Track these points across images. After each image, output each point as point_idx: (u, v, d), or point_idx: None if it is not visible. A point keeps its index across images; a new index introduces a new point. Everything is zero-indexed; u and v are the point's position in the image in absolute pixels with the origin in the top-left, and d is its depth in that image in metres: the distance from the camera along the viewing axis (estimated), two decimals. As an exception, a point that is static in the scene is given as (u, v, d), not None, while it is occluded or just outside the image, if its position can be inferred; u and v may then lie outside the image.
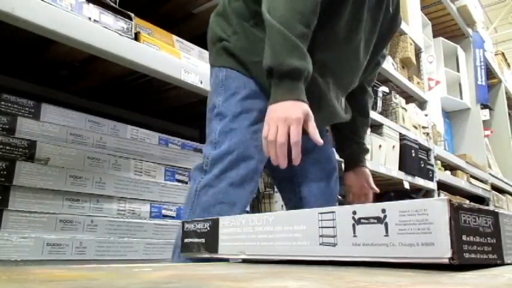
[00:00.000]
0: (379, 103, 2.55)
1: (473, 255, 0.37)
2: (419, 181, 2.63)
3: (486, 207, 0.41)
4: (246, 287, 0.32)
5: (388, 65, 2.57)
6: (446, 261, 0.36)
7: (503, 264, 0.41)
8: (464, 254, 0.36)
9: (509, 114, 4.69)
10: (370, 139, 2.29)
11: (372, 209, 0.42)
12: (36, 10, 0.96)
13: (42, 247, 1.08)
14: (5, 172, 1.05)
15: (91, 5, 1.12)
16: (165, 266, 0.60)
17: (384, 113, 2.59)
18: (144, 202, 1.34)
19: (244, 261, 0.92)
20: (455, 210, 0.36)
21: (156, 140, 1.46)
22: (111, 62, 1.15)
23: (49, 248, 1.09)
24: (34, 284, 0.33)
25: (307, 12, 0.83)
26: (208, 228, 0.62)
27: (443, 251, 0.36)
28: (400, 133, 2.54)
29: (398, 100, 2.73)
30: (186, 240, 0.66)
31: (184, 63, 1.31)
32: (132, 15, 1.21)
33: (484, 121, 4.11)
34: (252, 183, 0.93)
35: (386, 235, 0.40)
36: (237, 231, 0.57)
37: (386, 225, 0.40)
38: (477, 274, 0.41)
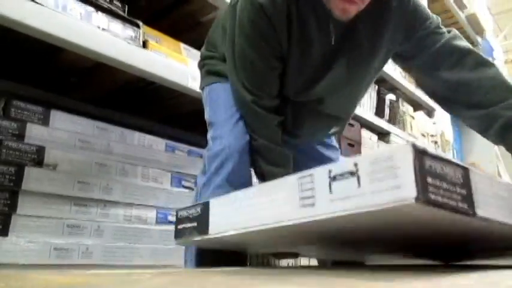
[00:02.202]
0: (387, 111, 2.55)
1: (439, 198, 0.37)
2: (427, 189, 2.61)
3: (455, 160, 0.41)
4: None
5: (396, 73, 2.57)
6: (412, 201, 0.36)
7: (475, 215, 0.41)
8: (430, 194, 0.36)
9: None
10: (378, 147, 2.29)
11: (345, 164, 0.42)
12: (47, 19, 0.98)
13: (49, 251, 1.09)
14: (14, 177, 1.07)
15: (100, 13, 1.14)
16: (164, 272, 0.59)
17: (392, 121, 2.59)
18: (150, 208, 1.35)
19: (243, 265, 0.92)
20: (419, 154, 0.37)
21: (162, 146, 1.47)
22: (119, 69, 1.17)
23: (56, 252, 1.10)
24: (31, 290, 0.33)
25: (269, 127, 0.97)
26: (199, 211, 0.63)
27: (408, 192, 0.36)
28: (407, 141, 2.54)
29: (406, 108, 2.72)
30: (179, 226, 0.66)
31: (192, 70, 1.33)
32: (140, 23, 1.23)
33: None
34: (246, 176, 0.97)
35: (359, 186, 0.40)
36: (226, 209, 0.58)
37: (358, 177, 0.40)
38: (476, 281, 0.41)
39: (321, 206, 0.44)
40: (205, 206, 0.61)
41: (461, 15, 3.57)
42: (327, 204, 0.43)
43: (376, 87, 2.50)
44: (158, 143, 1.45)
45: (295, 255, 0.82)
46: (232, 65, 0.96)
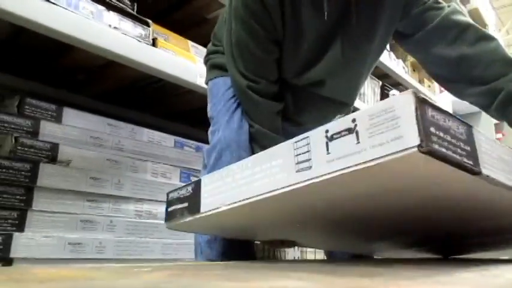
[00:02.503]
0: (390, 106, 2.56)
1: (443, 150, 0.35)
2: (431, 184, 2.62)
3: (457, 116, 0.39)
4: (245, 287, 0.32)
5: (399, 68, 2.59)
6: (415, 150, 0.33)
7: (480, 173, 0.38)
8: (433, 144, 0.34)
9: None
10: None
11: (343, 122, 0.39)
12: (59, 18, 1.00)
13: (64, 246, 1.11)
14: (29, 173, 1.09)
15: (111, 12, 1.16)
16: (165, 265, 0.59)
17: (395, 116, 2.60)
18: (160, 203, 1.37)
19: (251, 258, 0.91)
20: (421, 103, 0.35)
21: (171, 142, 1.49)
22: (128, 67, 1.19)
23: (70, 247, 1.13)
24: (33, 283, 0.33)
25: (270, 112, 0.96)
26: (191, 191, 0.59)
27: (411, 140, 0.34)
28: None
29: (410, 103, 2.73)
30: (169, 209, 0.63)
31: (199, 68, 1.34)
32: (150, 21, 1.25)
33: (495, 124, 4.08)
34: None
35: (358, 142, 0.37)
36: (219, 185, 0.54)
37: (357, 133, 0.38)
38: (477, 274, 0.41)
39: (317, 168, 0.41)
40: (197, 185, 0.58)
41: (464, 10, 3.57)
42: (324, 166, 0.40)
43: (380, 82, 2.51)
44: (167, 140, 1.48)
45: (292, 244, 0.80)
46: (230, 53, 0.96)
